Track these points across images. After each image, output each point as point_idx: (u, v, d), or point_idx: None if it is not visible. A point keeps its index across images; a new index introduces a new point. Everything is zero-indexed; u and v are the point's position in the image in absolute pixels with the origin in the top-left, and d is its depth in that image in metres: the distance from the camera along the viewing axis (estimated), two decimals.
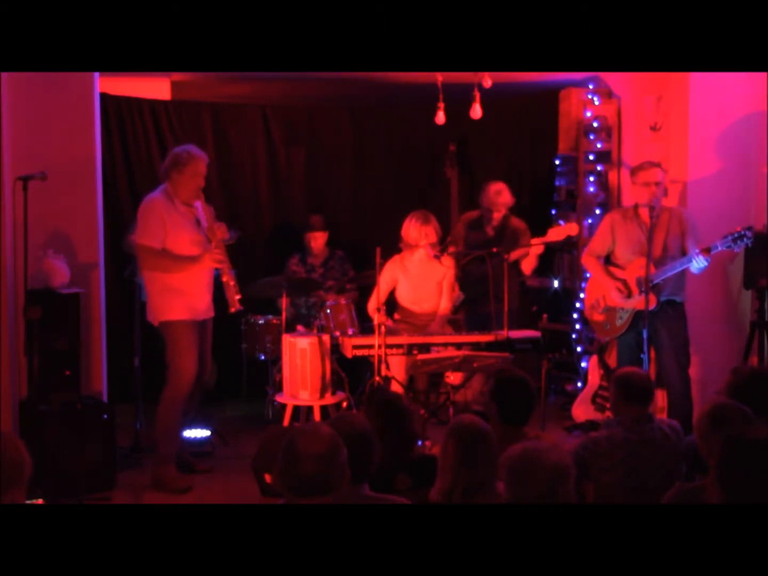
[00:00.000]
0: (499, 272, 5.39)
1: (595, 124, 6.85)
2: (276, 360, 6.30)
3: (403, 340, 5.37)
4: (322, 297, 6.45)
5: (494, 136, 7.41)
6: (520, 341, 5.40)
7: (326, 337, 5.50)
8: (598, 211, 6.81)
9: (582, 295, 6.38)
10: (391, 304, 5.90)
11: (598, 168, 6.89)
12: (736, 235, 4.91)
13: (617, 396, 3.84)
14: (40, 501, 4.04)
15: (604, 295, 5.47)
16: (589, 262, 5.58)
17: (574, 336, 6.91)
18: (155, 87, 7.05)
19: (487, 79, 5.37)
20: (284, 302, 6.12)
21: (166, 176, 5.19)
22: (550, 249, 6.56)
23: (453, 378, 5.71)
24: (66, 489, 4.83)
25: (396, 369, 5.51)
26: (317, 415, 5.44)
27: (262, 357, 6.48)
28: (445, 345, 5.38)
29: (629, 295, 5.32)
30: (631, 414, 3.75)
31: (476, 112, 5.61)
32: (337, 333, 5.75)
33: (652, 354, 5.46)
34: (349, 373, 5.99)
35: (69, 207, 5.46)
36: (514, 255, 5.83)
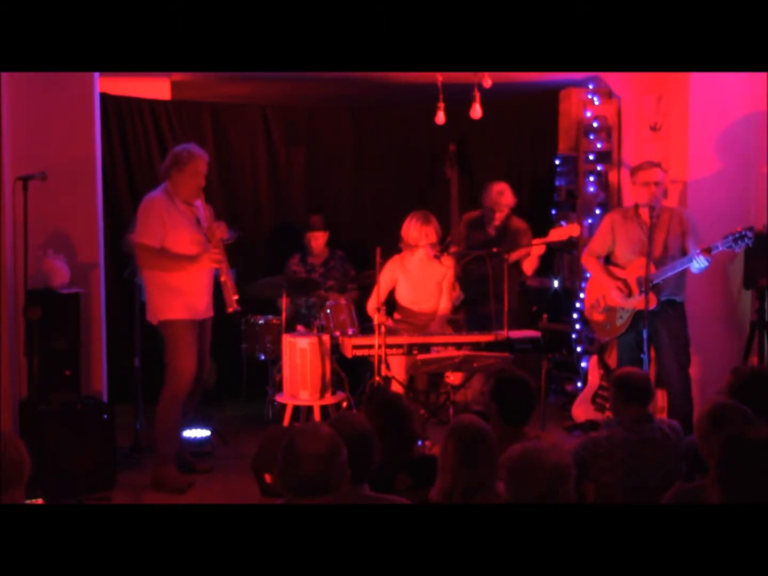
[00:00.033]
0: (499, 272, 5.39)
1: (595, 124, 6.85)
2: (276, 360, 6.30)
3: (403, 340, 5.37)
4: (322, 297, 6.45)
5: (494, 136, 7.41)
6: (520, 341, 5.39)
7: (326, 337, 5.51)
8: (598, 211, 6.81)
9: (582, 295, 6.38)
10: (391, 304, 5.90)
11: (598, 168, 6.89)
12: (737, 235, 4.90)
13: (617, 396, 3.84)
14: (40, 501, 4.04)
15: (604, 294, 5.47)
16: (589, 261, 5.58)
17: (574, 336, 6.91)
18: (155, 87, 7.05)
19: (487, 79, 5.37)
20: (284, 302, 6.12)
21: (166, 175, 5.18)
22: (551, 249, 6.56)
23: (453, 378, 5.71)
24: (66, 489, 4.83)
25: (396, 369, 5.51)
26: (317, 415, 5.44)
27: (262, 357, 6.48)
28: (445, 345, 5.38)
29: (630, 294, 5.32)
30: (631, 414, 3.75)
31: (476, 112, 5.61)
32: (337, 333, 5.75)
33: (652, 354, 5.46)
34: (349, 373, 5.99)
35: (69, 207, 5.47)
36: (515, 255, 5.83)
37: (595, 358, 6.08)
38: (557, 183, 7.20)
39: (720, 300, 6.06)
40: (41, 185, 4.94)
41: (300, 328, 6.14)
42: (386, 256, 5.68)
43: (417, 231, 5.71)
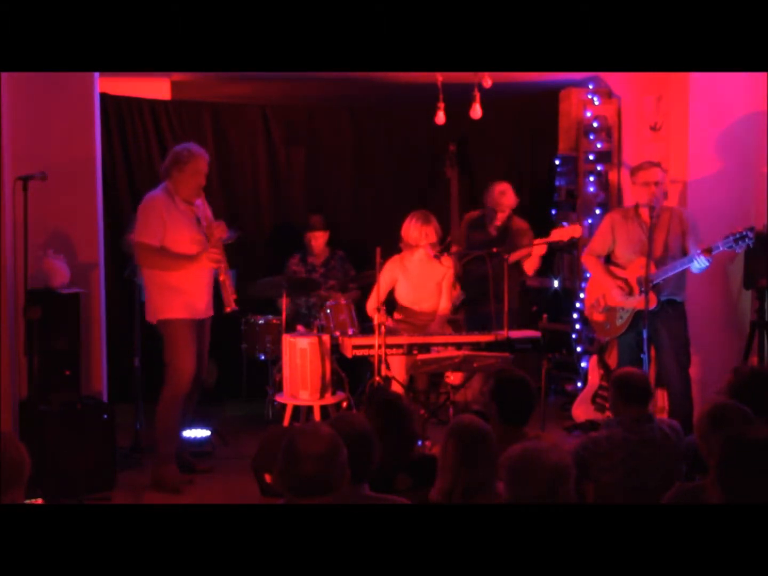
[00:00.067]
0: (500, 272, 5.39)
1: (595, 124, 6.85)
2: (276, 360, 6.30)
3: (403, 340, 5.37)
4: (322, 297, 6.45)
5: (494, 136, 7.41)
6: (520, 341, 5.39)
7: (326, 337, 5.50)
8: (598, 211, 6.81)
9: (582, 295, 6.38)
10: (391, 304, 5.90)
11: (598, 168, 6.89)
12: (737, 235, 4.90)
13: (616, 396, 3.84)
14: (40, 501, 4.04)
15: (604, 294, 5.47)
16: (590, 261, 5.58)
17: (574, 336, 6.91)
18: (155, 87, 7.05)
19: (487, 79, 5.37)
20: (284, 302, 6.12)
21: (166, 174, 5.18)
22: (551, 249, 6.56)
23: (453, 378, 5.71)
24: (66, 489, 4.83)
25: (396, 369, 5.51)
26: (317, 415, 5.44)
27: (262, 357, 6.48)
28: (445, 345, 5.38)
29: (630, 293, 5.32)
30: (631, 414, 3.75)
31: (476, 112, 5.61)
32: (337, 333, 5.75)
33: (652, 354, 5.46)
34: (349, 373, 5.99)
35: (69, 207, 5.46)
36: (515, 255, 5.83)
37: (595, 358, 6.07)
38: (557, 183, 7.20)
39: (720, 300, 6.06)
40: (41, 185, 4.94)
41: (300, 328, 6.14)
42: (386, 256, 5.68)
43: (417, 231, 5.71)
